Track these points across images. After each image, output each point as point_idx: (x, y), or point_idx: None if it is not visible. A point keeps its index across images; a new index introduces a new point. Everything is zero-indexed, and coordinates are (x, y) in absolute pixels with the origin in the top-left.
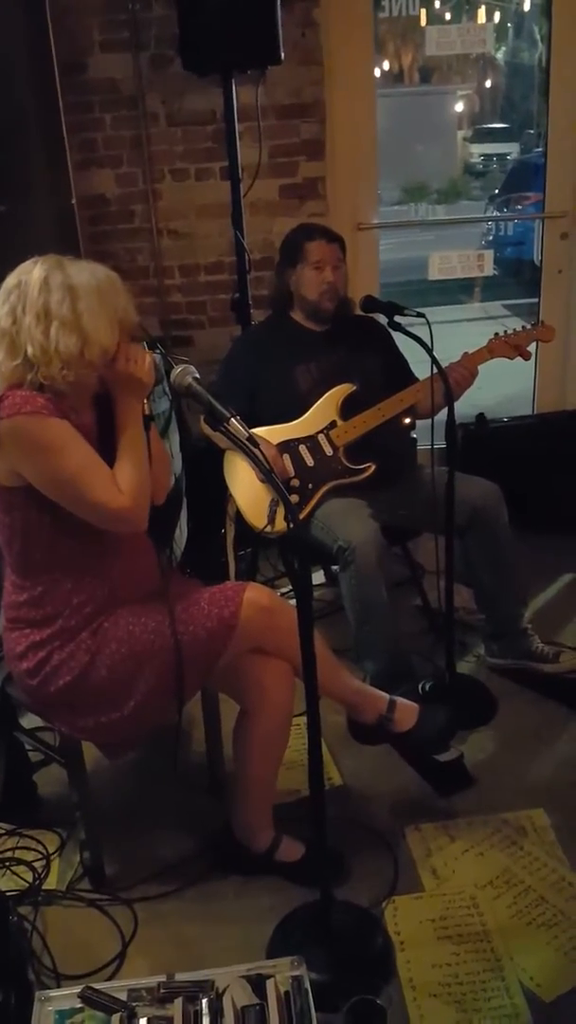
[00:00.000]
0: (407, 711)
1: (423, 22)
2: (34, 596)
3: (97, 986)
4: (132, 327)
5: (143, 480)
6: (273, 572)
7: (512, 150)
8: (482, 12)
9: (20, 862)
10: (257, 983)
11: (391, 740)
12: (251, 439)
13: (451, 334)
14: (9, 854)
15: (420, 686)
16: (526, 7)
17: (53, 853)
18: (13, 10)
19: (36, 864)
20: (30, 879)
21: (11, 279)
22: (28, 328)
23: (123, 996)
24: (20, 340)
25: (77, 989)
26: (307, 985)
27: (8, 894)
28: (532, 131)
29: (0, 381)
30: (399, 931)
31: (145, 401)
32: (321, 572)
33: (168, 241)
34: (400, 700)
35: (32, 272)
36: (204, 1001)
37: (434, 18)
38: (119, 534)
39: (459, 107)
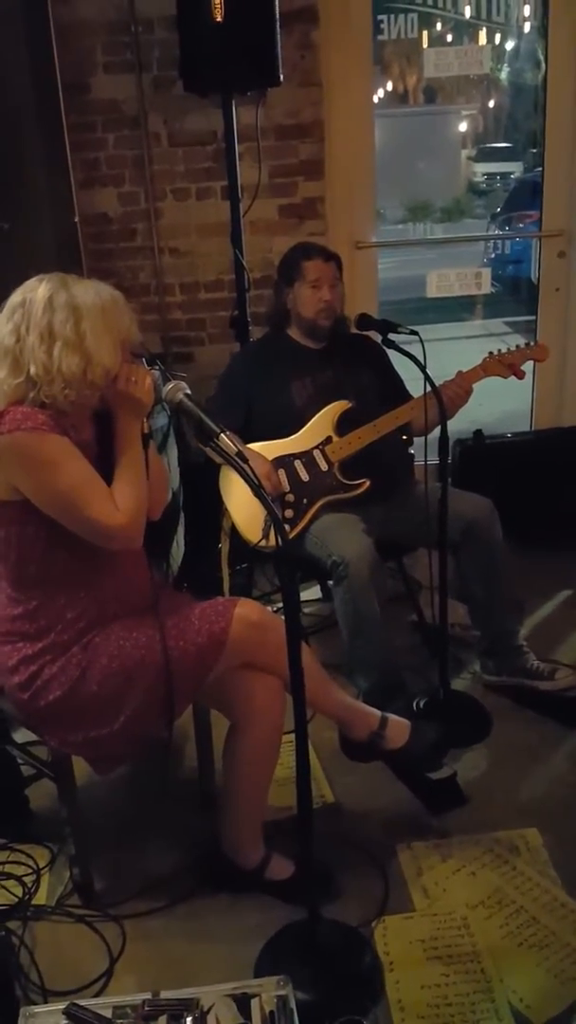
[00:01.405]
0: (399, 728)
1: (424, 44)
2: (28, 610)
3: (82, 1002)
4: (135, 346)
5: (140, 498)
6: (270, 587)
7: (515, 169)
8: (483, 34)
9: (10, 876)
10: (242, 1002)
11: (383, 757)
12: (240, 455)
13: (452, 351)
14: None
15: (414, 702)
16: (526, 28)
17: (43, 868)
18: (17, 32)
19: (26, 879)
20: (20, 894)
21: (16, 297)
22: (32, 347)
23: (108, 1013)
24: (23, 359)
25: (62, 1005)
26: (292, 1005)
27: None
28: (535, 150)
29: (2, 398)
30: (388, 951)
31: (144, 419)
32: (317, 587)
33: (169, 259)
34: (392, 717)
35: (37, 291)
36: (188, 1019)
37: (435, 40)
38: (114, 550)
39: (463, 126)
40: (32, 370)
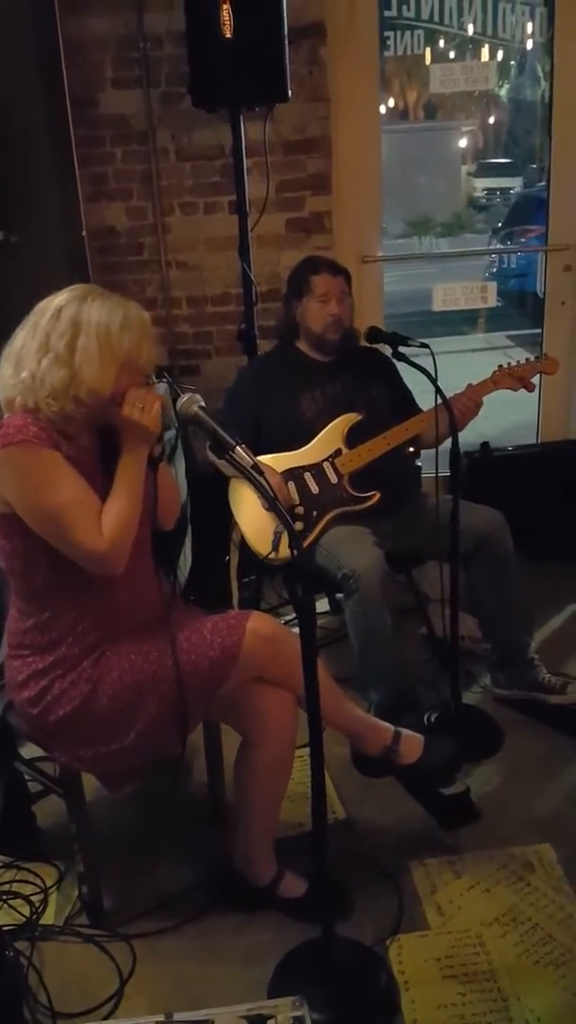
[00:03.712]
0: (412, 743)
1: (428, 60)
2: (40, 621)
3: None
4: (146, 370)
5: (127, 526)
6: (277, 600)
7: (515, 184)
8: (485, 50)
9: (17, 895)
10: (257, 1023)
11: (396, 772)
12: (256, 467)
13: (455, 364)
14: (7, 887)
15: (425, 717)
16: (528, 45)
17: (51, 887)
18: (27, 47)
19: (34, 898)
20: (27, 913)
21: (44, 300)
22: (30, 353)
23: None
24: (23, 362)
25: None
26: None
27: (4, 929)
28: (535, 165)
29: (1, 392)
30: (403, 970)
31: (156, 443)
32: (325, 600)
33: (176, 273)
34: (405, 732)
35: (55, 299)
36: None
37: (439, 56)
38: (96, 573)
39: (463, 142)
40: (24, 374)
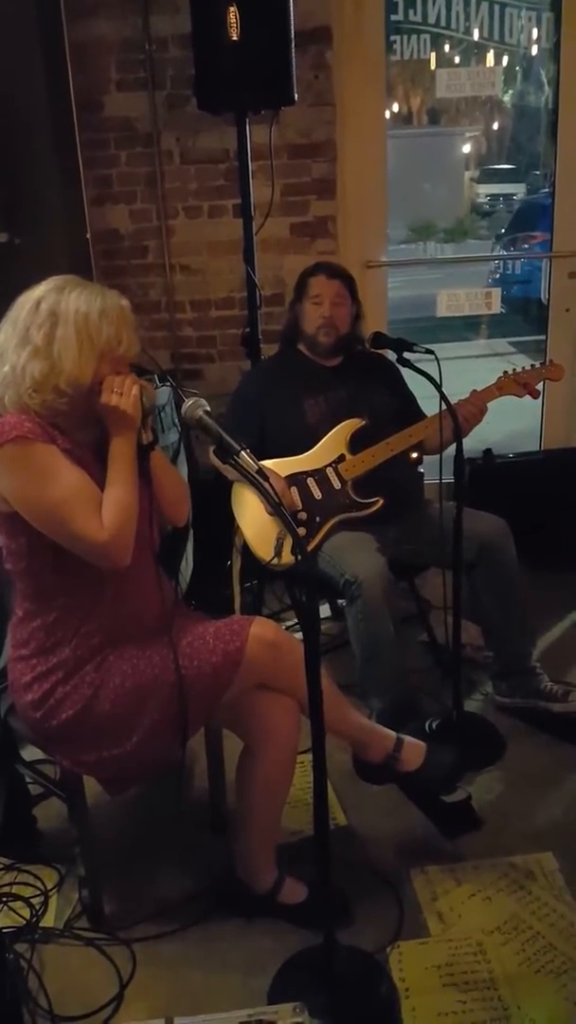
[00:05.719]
0: (414, 750)
1: (433, 65)
2: (47, 622)
3: None
4: (127, 359)
5: (126, 513)
6: (279, 605)
7: (518, 190)
8: (490, 56)
9: (17, 898)
10: None
11: (397, 780)
12: (261, 472)
13: (457, 370)
14: (7, 889)
15: (427, 724)
16: (534, 51)
17: (51, 889)
18: (33, 49)
19: (34, 900)
20: (27, 916)
21: (24, 293)
22: (10, 347)
23: None
24: (5, 357)
25: None
26: None
27: (4, 931)
28: (538, 172)
29: None
30: (404, 977)
31: (145, 429)
32: (327, 606)
33: (180, 276)
34: (407, 739)
35: (33, 292)
36: None
37: (444, 61)
38: (104, 568)
39: (466, 148)
40: (6, 368)
